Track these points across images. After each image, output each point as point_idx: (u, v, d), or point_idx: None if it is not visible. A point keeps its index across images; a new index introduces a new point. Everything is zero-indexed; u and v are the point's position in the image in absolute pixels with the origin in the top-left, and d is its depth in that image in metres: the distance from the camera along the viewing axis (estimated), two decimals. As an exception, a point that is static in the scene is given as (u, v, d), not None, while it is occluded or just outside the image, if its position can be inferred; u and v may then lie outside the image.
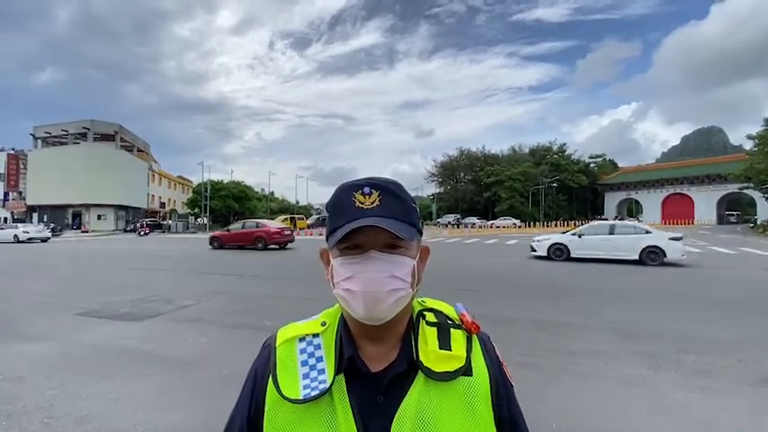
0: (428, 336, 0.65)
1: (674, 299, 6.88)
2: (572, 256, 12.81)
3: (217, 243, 19.01)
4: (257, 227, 18.85)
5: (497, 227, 43.30)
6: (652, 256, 11.58)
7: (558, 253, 13.06)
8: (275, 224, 20.22)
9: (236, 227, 19.89)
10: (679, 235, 11.95)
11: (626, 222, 14.30)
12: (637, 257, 11.78)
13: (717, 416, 2.83)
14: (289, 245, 19.12)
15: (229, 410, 0.69)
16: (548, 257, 13.17)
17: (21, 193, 50.89)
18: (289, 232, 19.06)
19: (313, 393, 0.59)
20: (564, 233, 13.77)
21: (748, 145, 33.65)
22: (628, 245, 12.03)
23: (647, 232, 12.22)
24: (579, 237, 12.94)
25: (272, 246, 18.20)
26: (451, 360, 0.62)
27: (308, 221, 44.03)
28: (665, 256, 11.44)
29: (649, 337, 4.64)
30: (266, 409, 0.62)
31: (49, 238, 28.44)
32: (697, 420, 2.79)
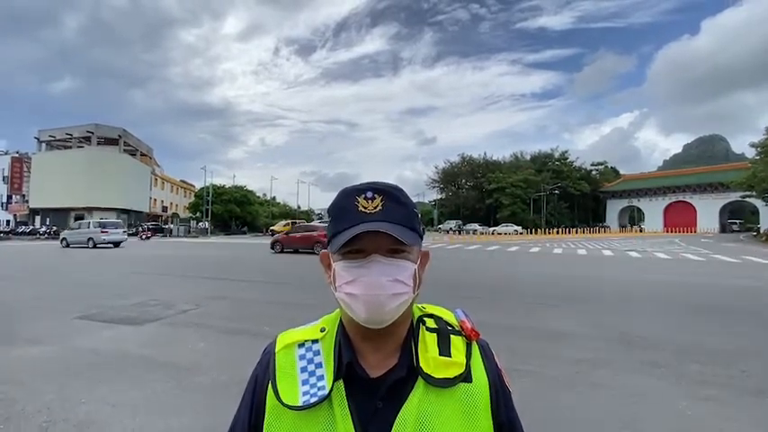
0: (428, 342, 0.64)
1: (674, 306, 6.84)
2: None
3: (279, 247, 19.45)
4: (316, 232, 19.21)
5: (499, 233, 43.19)
6: None
7: None
8: None
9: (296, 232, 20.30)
10: None
11: None
12: None
13: (721, 427, 2.80)
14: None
15: (227, 416, 0.68)
16: None
17: (24, 196, 51.17)
18: None
19: (312, 400, 0.58)
20: None
21: (750, 153, 33.66)
22: None
23: None
24: None
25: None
26: (451, 367, 0.61)
27: (309, 226, 44.37)
28: None
29: (651, 345, 4.60)
30: (266, 415, 0.61)
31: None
32: (702, 431, 2.75)
